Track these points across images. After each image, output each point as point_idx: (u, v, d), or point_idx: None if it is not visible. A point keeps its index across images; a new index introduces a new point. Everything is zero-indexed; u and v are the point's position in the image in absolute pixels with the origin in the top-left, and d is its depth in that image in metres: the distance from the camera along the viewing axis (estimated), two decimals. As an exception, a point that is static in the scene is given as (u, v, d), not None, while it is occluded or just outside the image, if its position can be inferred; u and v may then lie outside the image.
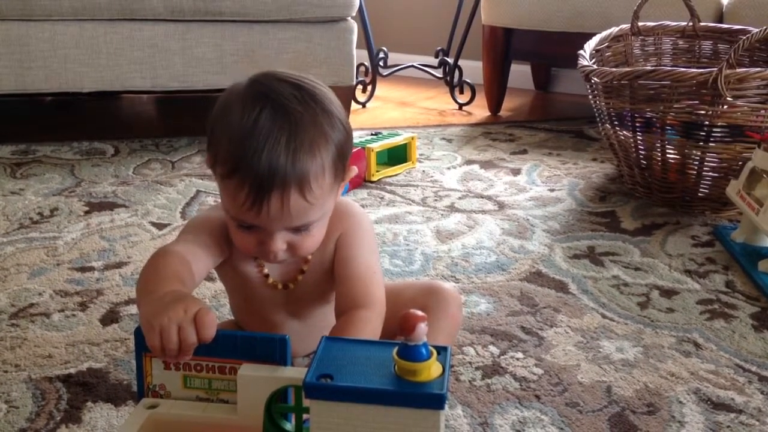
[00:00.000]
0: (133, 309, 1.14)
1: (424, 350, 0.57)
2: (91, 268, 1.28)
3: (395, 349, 0.58)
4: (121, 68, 1.94)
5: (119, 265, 1.30)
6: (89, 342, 1.04)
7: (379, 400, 0.56)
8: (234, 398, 0.65)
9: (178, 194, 1.67)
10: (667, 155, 1.58)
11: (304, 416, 0.64)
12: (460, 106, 2.63)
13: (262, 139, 0.72)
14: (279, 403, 0.64)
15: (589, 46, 1.76)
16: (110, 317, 1.12)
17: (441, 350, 0.60)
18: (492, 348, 1.05)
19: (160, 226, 1.48)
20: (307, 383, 0.57)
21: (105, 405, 0.90)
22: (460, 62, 2.64)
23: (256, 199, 0.73)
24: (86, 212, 1.55)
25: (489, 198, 1.69)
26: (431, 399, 0.55)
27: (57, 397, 0.92)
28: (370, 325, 0.78)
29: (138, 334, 0.66)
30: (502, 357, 1.03)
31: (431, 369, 0.57)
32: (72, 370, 0.98)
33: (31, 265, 1.29)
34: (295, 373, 0.63)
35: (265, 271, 0.87)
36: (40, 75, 1.89)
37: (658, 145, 1.57)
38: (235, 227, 0.79)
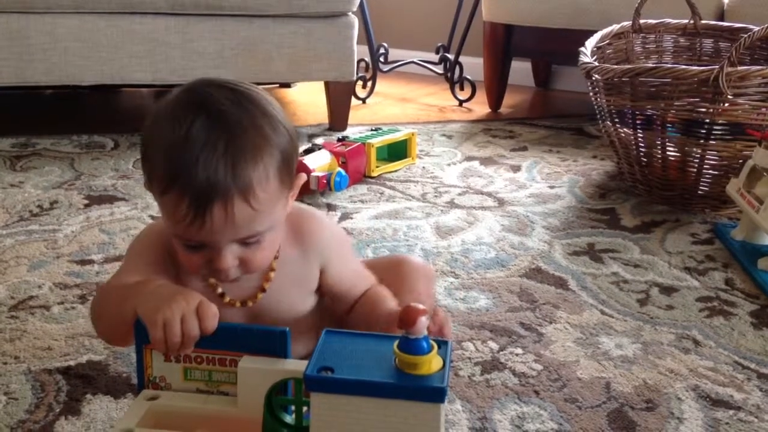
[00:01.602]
0: (132, 302, 1.14)
1: (424, 344, 0.57)
2: (91, 261, 1.28)
3: (396, 343, 0.58)
4: (121, 62, 1.94)
5: (119, 258, 1.30)
6: (89, 335, 1.04)
7: (380, 393, 0.56)
8: (234, 390, 0.65)
9: (177, 188, 1.66)
10: (668, 153, 1.58)
11: (304, 409, 0.64)
12: (461, 102, 2.62)
13: (198, 147, 0.66)
14: (279, 396, 0.64)
15: (590, 43, 1.76)
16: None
17: (442, 344, 0.60)
18: (491, 344, 1.05)
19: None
20: (307, 376, 0.57)
21: (104, 397, 0.90)
22: (461, 59, 2.63)
23: (198, 212, 0.67)
24: (86, 205, 1.55)
25: (489, 194, 1.69)
26: (432, 392, 0.56)
27: (56, 390, 0.92)
28: (383, 291, 0.85)
29: (138, 326, 0.66)
30: (501, 353, 1.03)
31: (432, 362, 0.57)
32: (71, 363, 0.98)
33: (31, 257, 1.29)
34: (295, 366, 0.63)
35: (219, 290, 0.80)
36: (41, 68, 1.89)
37: (659, 142, 1.57)
38: (181, 248, 0.73)
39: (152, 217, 1.49)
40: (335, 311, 0.88)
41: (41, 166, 1.80)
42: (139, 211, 1.52)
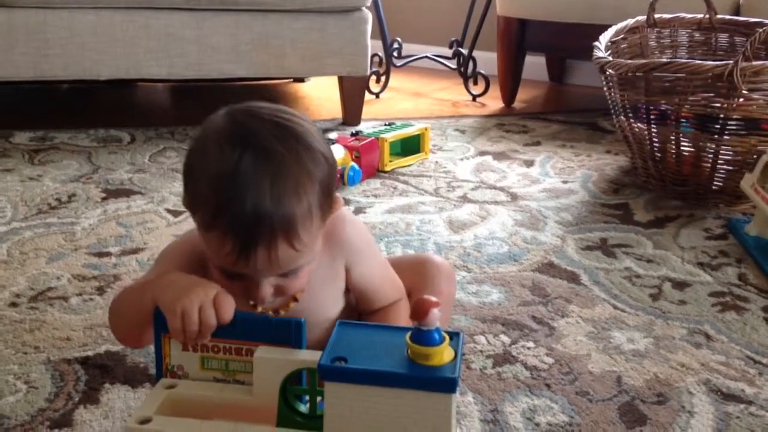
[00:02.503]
0: (149, 294, 1.16)
1: (437, 335, 0.58)
2: (108, 254, 1.30)
3: (408, 334, 0.59)
4: (138, 56, 1.96)
5: (136, 250, 1.32)
6: (106, 326, 1.06)
7: (393, 383, 0.57)
8: (250, 380, 0.66)
9: (193, 182, 1.68)
10: (682, 148, 1.57)
11: (318, 399, 0.65)
12: (474, 97, 2.63)
13: (245, 185, 0.67)
14: (294, 385, 0.65)
15: (605, 37, 1.75)
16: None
17: (453, 336, 0.61)
18: (503, 337, 1.06)
19: (175, 213, 1.50)
20: (321, 365, 0.58)
21: (122, 387, 0.92)
22: (475, 53, 2.63)
23: (242, 252, 0.68)
24: (103, 199, 1.57)
25: (502, 189, 1.70)
26: (444, 383, 0.57)
27: (75, 379, 0.94)
28: (406, 311, 0.85)
29: (157, 315, 0.68)
30: (513, 346, 1.04)
31: (444, 354, 0.58)
32: (90, 353, 0.99)
33: (50, 249, 1.31)
34: (309, 356, 0.64)
35: (251, 302, 0.80)
36: (58, 62, 1.91)
37: (673, 137, 1.57)
38: (218, 273, 0.74)
39: (168, 210, 1.51)
40: (360, 311, 0.90)
41: (59, 160, 1.82)
42: (155, 205, 1.54)
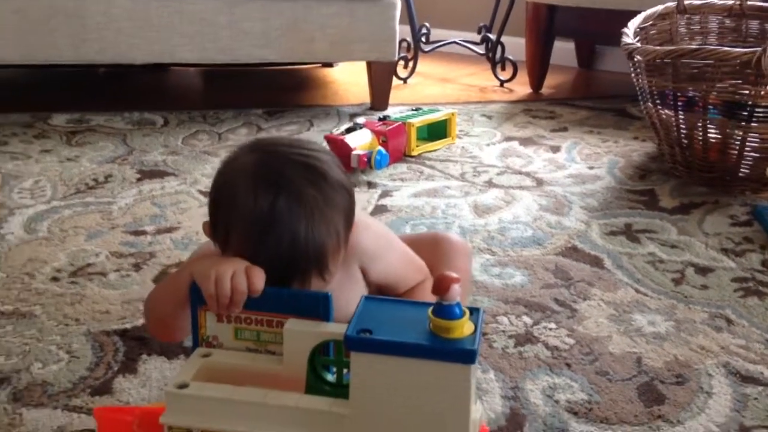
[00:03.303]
0: (183, 271, 1.20)
1: (457, 309, 0.61)
2: (144, 232, 1.35)
3: (430, 308, 0.62)
4: (171, 41, 2.00)
5: (170, 230, 1.36)
6: (143, 300, 1.10)
7: (415, 354, 0.60)
8: (280, 350, 0.70)
9: (224, 164, 1.72)
10: (709, 135, 1.57)
11: (344, 371, 0.69)
12: (502, 83, 2.63)
13: (281, 230, 0.71)
14: (321, 356, 0.68)
15: (634, 23, 1.75)
16: (162, 278, 1.18)
17: (473, 311, 0.64)
18: (525, 318, 1.08)
19: (207, 195, 1.54)
20: (348, 336, 0.61)
21: (158, 358, 0.97)
22: (503, 39, 2.63)
23: (276, 285, 0.72)
24: (138, 179, 1.62)
25: (527, 174, 1.71)
26: (463, 354, 0.59)
27: (114, 350, 0.99)
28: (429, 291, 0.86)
29: (193, 289, 0.72)
30: (534, 327, 1.06)
31: (464, 327, 0.61)
32: (128, 325, 1.04)
33: (88, 227, 1.37)
34: (336, 329, 0.67)
35: None
36: (95, 46, 1.97)
37: (700, 124, 1.57)
38: None
39: (200, 191, 1.56)
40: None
41: (95, 142, 1.88)
42: (188, 186, 1.59)
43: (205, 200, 1.51)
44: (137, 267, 1.21)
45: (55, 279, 1.17)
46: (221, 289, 0.69)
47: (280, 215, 0.71)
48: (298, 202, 0.72)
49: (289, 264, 0.72)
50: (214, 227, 0.78)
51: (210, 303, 0.70)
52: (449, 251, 0.98)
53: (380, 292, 0.92)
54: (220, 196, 0.77)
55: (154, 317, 0.85)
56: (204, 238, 0.88)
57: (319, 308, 0.69)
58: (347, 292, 0.87)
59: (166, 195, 1.54)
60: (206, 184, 1.60)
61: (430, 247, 0.98)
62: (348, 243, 0.79)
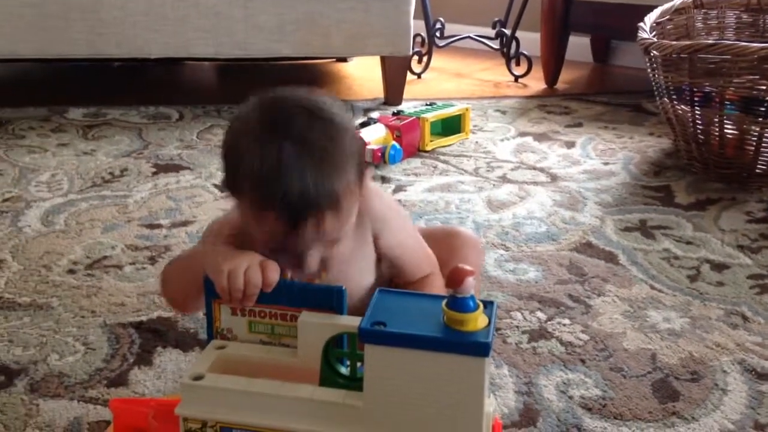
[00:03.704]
0: (197, 264, 1.21)
1: (471, 302, 0.61)
2: (159, 226, 1.36)
3: (444, 301, 0.62)
4: (187, 35, 2.01)
5: (185, 223, 1.37)
6: (158, 293, 1.11)
7: (429, 347, 0.60)
8: (295, 343, 0.70)
9: (239, 159, 1.73)
10: (725, 130, 1.56)
11: (358, 364, 0.69)
12: (516, 78, 2.62)
13: (289, 175, 0.70)
14: (335, 348, 0.69)
15: (650, 18, 1.74)
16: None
17: (487, 304, 0.63)
18: (539, 314, 1.08)
19: (222, 189, 1.55)
20: (362, 329, 0.62)
21: (174, 350, 0.97)
22: (518, 34, 2.62)
23: (290, 230, 0.72)
24: (153, 173, 1.63)
25: (541, 170, 1.71)
26: (477, 347, 0.59)
27: (130, 342, 0.99)
28: (440, 282, 0.90)
29: (207, 282, 0.72)
30: (548, 322, 1.06)
31: (478, 320, 0.61)
32: (143, 318, 1.05)
33: (104, 220, 1.38)
34: (350, 321, 0.67)
35: (289, 274, 0.83)
36: (112, 40, 1.98)
37: (716, 120, 1.56)
38: (266, 250, 0.76)
39: (215, 185, 1.56)
40: (395, 285, 0.92)
41: (111, 136, 1.89)
42: (203, 180, 1.60)
43: (220, 194, 1.52)
44: (152, 260, 1.22)
45: (71, 271, 1.18)
46: (234, 284, 0.69)
47: (286, 162, 0.71)
48: (303, 147, 0.72)
49: (302, 208, 0.71)
50: (226, 183, 0.78)
51: (223, 296, 0.70)
52: (461, 246, 0.98)
53: (391, 283, 0.92)
54: (228, 150, 0.77)
55: (167, 293, 0.88)
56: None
57: (333, 301, 0.70)
58: (359, 261, 0.87)
59: (182, 189, 1.55)
60: (221, 178, 1.60)
61: (442, 242, 0.98)
62: (361, 186, 0.78)
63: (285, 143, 0.71)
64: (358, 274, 0.88)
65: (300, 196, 0.70)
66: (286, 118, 0.73)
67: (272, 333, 0.73)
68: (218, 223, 0.89)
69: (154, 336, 1.01)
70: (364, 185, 0.80)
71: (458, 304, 0.61)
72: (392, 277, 0.92)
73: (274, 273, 0.70)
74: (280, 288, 0.71)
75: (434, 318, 0.62)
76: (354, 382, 0.66)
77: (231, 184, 0.77)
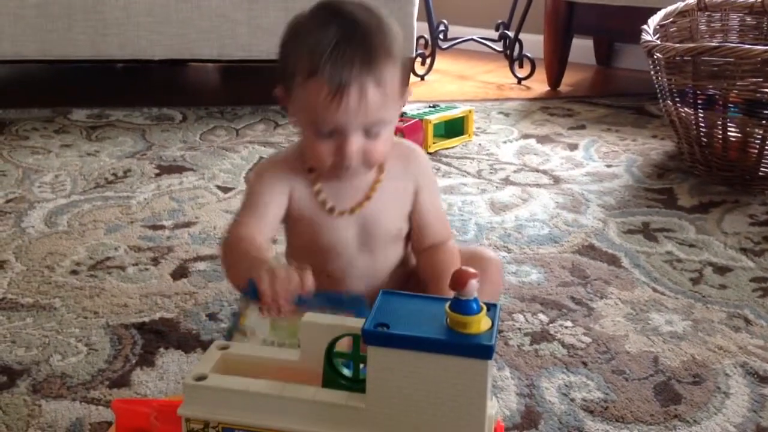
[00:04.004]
0: (201, 265, 1.21)
1: (474, 305, 0.61)
2: (162, 227, 1.36)
3: (448, 303, 0.62)
4: (190, 37, 2.01)
5: (188, 224, 1.37)
6: (161, 294, 1.12)
7: (432, 349, 0.60)
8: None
9: (242, 160, 1.73)
10: (729, 133, 1.56)
11: (361, 366, 0.69)
12: (519, 80, 2.62)
13: (338, 41, 0.79)
14: (338, 350, 0.69)
15: (654, 21, 1.74)
16: (180, 272, 1.19)
17: (491, 307, 0.63)
18: (541, 316, 1.08)
19: (225, 190, 1.55)
20: (365, 330, 0.62)
21: (176, 351, 0.98)
22: (521, 36, 2.62)
23: (337, 91, 0.79)
24: (157, 174, 1.63)
25: (544, 172, 1.71)
26: (480, 349, 0.59)
27: (132, 343, 1.00)
28: (456, 250, 0.97)
29: (251, 284, 0.74)
30: (551, 325, 1.06)
31: (481, 323, 0.61)
32: (146, 319, 1.05)
33: (107, 221, 1.38)
34: (354, 323, 0.68)
35: (329, 205, 0.92)
36: (115, 42, 1.98)
37: (720, 122, 1.56)
38: (313, 138, 0.84)
39: (218, 187, 1.56)
40: (413, 249, 0.98)
41: (115, 137, 1.89)
42: (206, 181, 1.60)
43: (223, 195, 1.52)
44: (155, 261, 1.22)
45: (74, 272, 1.18)
46: (275, 284, 0.72)
47: (336, 32, 0.79)
48: (354, 24, 0.80)
49: (347, 67, 0.79)
50: (283, 71, 0.84)
51: (264, 298, 0.73)
52: (488, 267, 0.99)
53: (411, 243, 0.97)
54: (284, 43, 0.85)
55: (232, 278, 0.91)
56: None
57: (361, 309, 0.71)
58: (396, 207, 0.94)
59: (185, 190, 1.55)
60: (224, 179, 1.61)
61: (466, 259, 0.99)
62: (403, 96, 0.87)
63: (337, 22, 0.80)
64: (395, 217, 0.94)
65: (345, 56, 0.78)
66: (341, 5, 0.83)
67: (293, 335, 0.74)
68: (255, 181, 0.94)
69: (156, 337, 1.01)
70: (407, 92, 0.88)
71: (461, 306, 0.61)
72: (412, 243, 0.98)
73: (311, 280, 0.73)
74: (313, 296, 0.73)
75: (437, 320, 0.62)
76: (357, 384, 0.66)
77: (284, 71, 0.84)
